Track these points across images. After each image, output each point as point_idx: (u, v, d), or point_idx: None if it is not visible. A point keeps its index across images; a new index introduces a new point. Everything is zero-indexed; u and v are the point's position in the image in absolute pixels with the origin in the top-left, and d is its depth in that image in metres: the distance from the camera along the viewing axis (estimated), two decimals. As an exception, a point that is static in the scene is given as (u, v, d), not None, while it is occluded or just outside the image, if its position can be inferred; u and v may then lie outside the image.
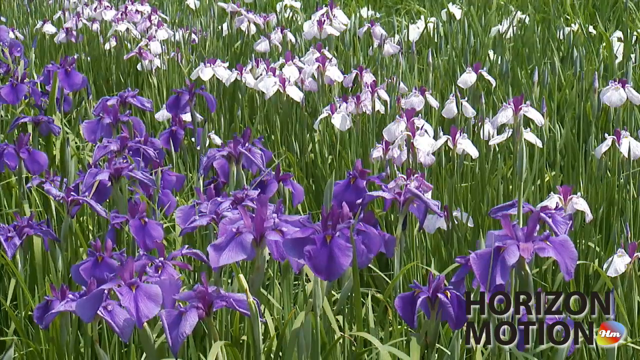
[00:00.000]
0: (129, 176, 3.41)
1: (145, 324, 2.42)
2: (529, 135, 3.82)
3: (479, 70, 4.83)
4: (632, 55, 5.35)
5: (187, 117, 4.58)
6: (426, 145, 3.76)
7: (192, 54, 6.51)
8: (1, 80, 5.78)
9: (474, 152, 3.79)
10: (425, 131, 3.80)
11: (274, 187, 3.49)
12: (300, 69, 5.19)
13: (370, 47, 6.17)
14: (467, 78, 4.82)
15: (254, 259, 2.59)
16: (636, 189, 3.81)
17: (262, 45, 6.12)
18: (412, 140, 3.76)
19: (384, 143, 3.89)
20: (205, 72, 5.28)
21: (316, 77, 5.10)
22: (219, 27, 7.05)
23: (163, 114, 5.01)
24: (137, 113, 5.18)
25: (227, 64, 5.41)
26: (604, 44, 6.03)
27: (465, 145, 3.77)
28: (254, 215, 2.56)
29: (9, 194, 4.27)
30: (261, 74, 5.05)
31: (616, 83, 4.22)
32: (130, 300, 2.38)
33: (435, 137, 3.88)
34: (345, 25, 6.22)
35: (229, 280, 2.94)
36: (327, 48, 5.69)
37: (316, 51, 5.30)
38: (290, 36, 6.30)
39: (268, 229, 2.54)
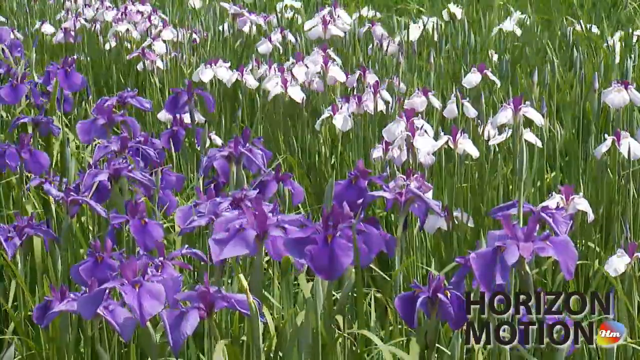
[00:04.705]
0: (129, 177, 3.41)
1: (148, 322, 2.42)
2: (528, 135, 3.81)
3: (484, 71, 4.82)
4: (632, 55, 5.35)
5: (187, 117, 4.58)
6: (426, 145, 3.76)
7: (194, 55, 6.51)
8: (1, 80, 5.78)
9: (474, 152, 3.79)
10: (425, 131, 3.80)
11: (274, 187, 3.49)
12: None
13: (370, 47, 6.16)
14: (472, 78, 4.82)
15: (252, 258, 2.60)
16: (636, 189, 3.81)
17: (264, 47, 6.12)
18: (411, 141, 3.76)
19: (384, 143, 3.89)
20: (205, 73, 5.28)
21: (319, 77, 5.10)
22: (220, 28, 7.05)
23: (165, 114, 5.01)
24: (138, 113, 5.18)
25: (228, 64, 5.41)
26: (604, 44, 6.03)
27: (465, 145, 3.77)
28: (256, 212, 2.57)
29: (9, 194, 4.27)
30: (264, 75, 5.05)
31: (619, 84, 4.20)
32: (133, 299, 2.39)
33: (436, 138, 3.88)
34: (348, 25, 6.23)
35: (229, 281, 2.94)
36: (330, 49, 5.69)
37: (321, 51, 5.30)
38: (290, 37, 6.30)
39: (271, 226, 2.55)
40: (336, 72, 5.08)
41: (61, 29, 7.21)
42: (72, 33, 7.10)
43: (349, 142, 4.57)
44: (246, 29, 6.73)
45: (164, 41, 6.30)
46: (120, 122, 4.28)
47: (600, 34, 6.34)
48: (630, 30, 6.02)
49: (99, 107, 4.35)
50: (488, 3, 7.67)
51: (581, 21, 6.46)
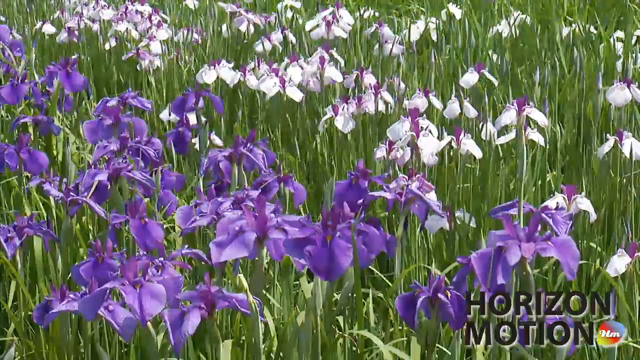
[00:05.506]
0: (128, 177, 3.40)
1: (149, 323, 2.42)
2: (534, 135, 3.81)
3: (481, 71, 4.82)
4: (632, 55, 5.35)
5: (191, 118, 4.59)
6: (430, 145, 3.76)
7: (193, 55, 6.50)
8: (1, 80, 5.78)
9: (477, 153, 3.79)
10: (430, 132, 3.80)
11: (275, 188, 3.49)
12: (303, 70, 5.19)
13: (374, 47, 6.15)
14: (469, 78, 4.81)
15: (254, 260, 2.59)
16: (638, 189, 3.81)
17: (261, 46, 6.11)
18: (416, 141, 3.75)
19: (387, 143, 3.89)
20: (209, 75, 5.27)
21: (317, 78, 5.10)
22: (219, 28, 7.04)
23: (167, 114, 5.01)
24: (138, 113, 5.18)
25: (232, 65, 5.41)
26: (604, 44, 6.03)
27: (469, 145, 3.77)
28: (256, 214, 2.57)
29: (9, 193, 4.27)
30: (262, 75, 5.05)
31: (621, 83, 4.20)
32: (134, 299, 2.39)
33: (438, 138, 3.88)
34: (350, 25, 6.22)
35: (230, 281, 2.94)
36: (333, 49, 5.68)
37: (324, 52, 5.29)
38: (290, 36, 6.29)
39: (271, 228, 2.55)
40: (332, 73, 5.08)
41: (65, 28, 7.20)
42: (76, 33, 7.10)
43: (347, 143, 4.57)
44: (243, 27, 6.71)
45: (160, 41, 6.29)
46: (126, 123, 4.27)
47: (599, 33, 6.33)
48: (626, 31, 6.02)
49: (105, 108, 4.34)
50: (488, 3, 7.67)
51: (578, 21, 6.46)
